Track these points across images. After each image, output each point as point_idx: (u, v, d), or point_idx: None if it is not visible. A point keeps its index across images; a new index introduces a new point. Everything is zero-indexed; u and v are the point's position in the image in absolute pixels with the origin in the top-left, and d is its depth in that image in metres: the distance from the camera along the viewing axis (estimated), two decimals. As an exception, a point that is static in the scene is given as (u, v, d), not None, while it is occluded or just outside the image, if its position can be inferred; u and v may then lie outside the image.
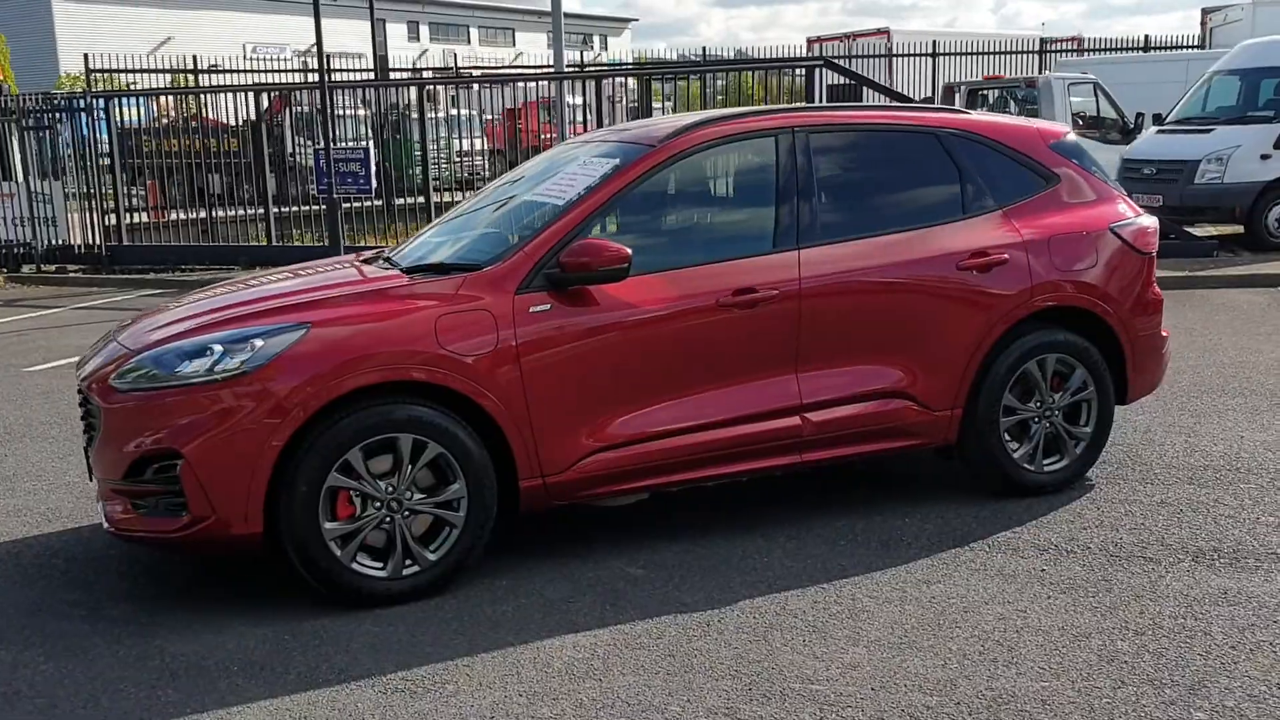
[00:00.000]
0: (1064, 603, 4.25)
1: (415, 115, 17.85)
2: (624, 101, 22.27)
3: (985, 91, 17.77)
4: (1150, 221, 5.68)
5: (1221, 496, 5.33)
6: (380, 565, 4.38)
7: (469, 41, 69.74)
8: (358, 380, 4.24)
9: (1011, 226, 5.28)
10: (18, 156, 15.46)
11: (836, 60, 17.64)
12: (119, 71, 22.01)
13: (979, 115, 5.63)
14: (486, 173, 19.17)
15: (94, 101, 15.39)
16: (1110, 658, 3.81)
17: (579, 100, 24.18)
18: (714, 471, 4.88)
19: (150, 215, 16.83)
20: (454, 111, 21.09)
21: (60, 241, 15.83)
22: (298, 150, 17.64)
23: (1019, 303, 5.22)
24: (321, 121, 13.59)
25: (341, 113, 18.14)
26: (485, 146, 20.72)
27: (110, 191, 15.82)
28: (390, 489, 4.34)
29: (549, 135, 17.97)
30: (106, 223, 15.99)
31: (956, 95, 17.74)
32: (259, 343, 4.24)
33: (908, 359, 5.09)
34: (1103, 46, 29.07)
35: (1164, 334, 5.74)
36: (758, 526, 5.12)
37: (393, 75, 33.22)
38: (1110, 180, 5.79)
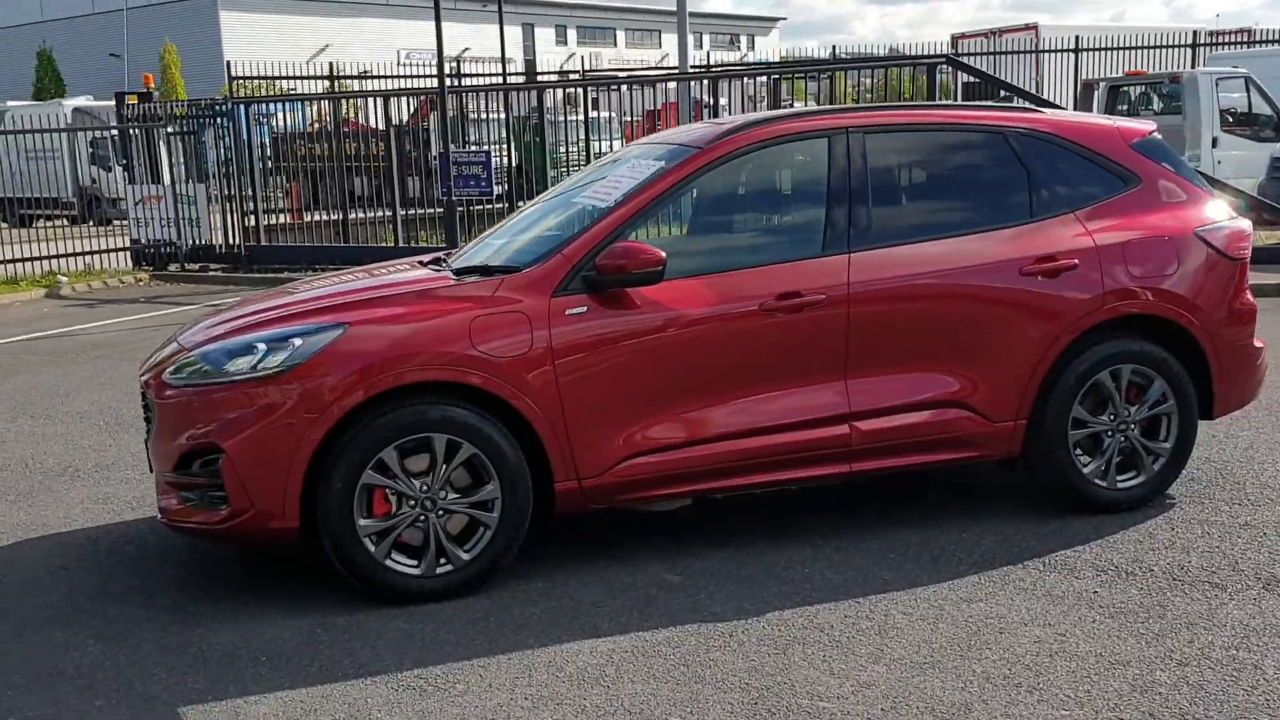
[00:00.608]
0: (1109, 628, 4.03)
1: (558, 119, 18.07)
2: (765, 101, 22.08)
3: (1127, 88, 17.04)
4: (1243, 225, 5.35)
5: (1313, 519, 4.99)
6: (415, 563, 4.44)
7: (615, 44, 70.32)
8: (392, 379, 4.31)
9: (1084, 230, 5.04)
10: (165, 161, 16.24)
11: (962, 58, 17.13)
12: (265, 79, 22.92)
13: (1053, 113, 5.40)
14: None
15: (234, 108, 16.05)
16: (1145, 688, 3.60)
17: (720, 101, 24.01)
18: (757, 479, 4.80)
19: (290, 217, 17.49)
20: (594, 114, 21.24)
21: (203, 241, 16.56)
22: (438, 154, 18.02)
23: (1090, 310, 4.98)
24: (441, 125, 13.88)
25: (480, 116, 18.49)
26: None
27: (250, 194, 16.45)
28: (425, 488, 4.40)
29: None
30: (246, 224, 16.65)
31: (1095, 92, 17.07)
32: (298, 342, 4.35)
33: (965, 367, 4.91)
34: (1277, 38, 27.49)
35: (1258, 345, 5.40)
36: (807, 536, 5.01)
37: (539, 79, 34.07)
38: (1201, 181, 5.47)
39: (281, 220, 17.50)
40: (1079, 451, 5.09)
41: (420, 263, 5.46)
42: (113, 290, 15.39)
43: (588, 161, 18.72)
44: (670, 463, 4.64)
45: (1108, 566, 4.58)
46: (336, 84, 25.92)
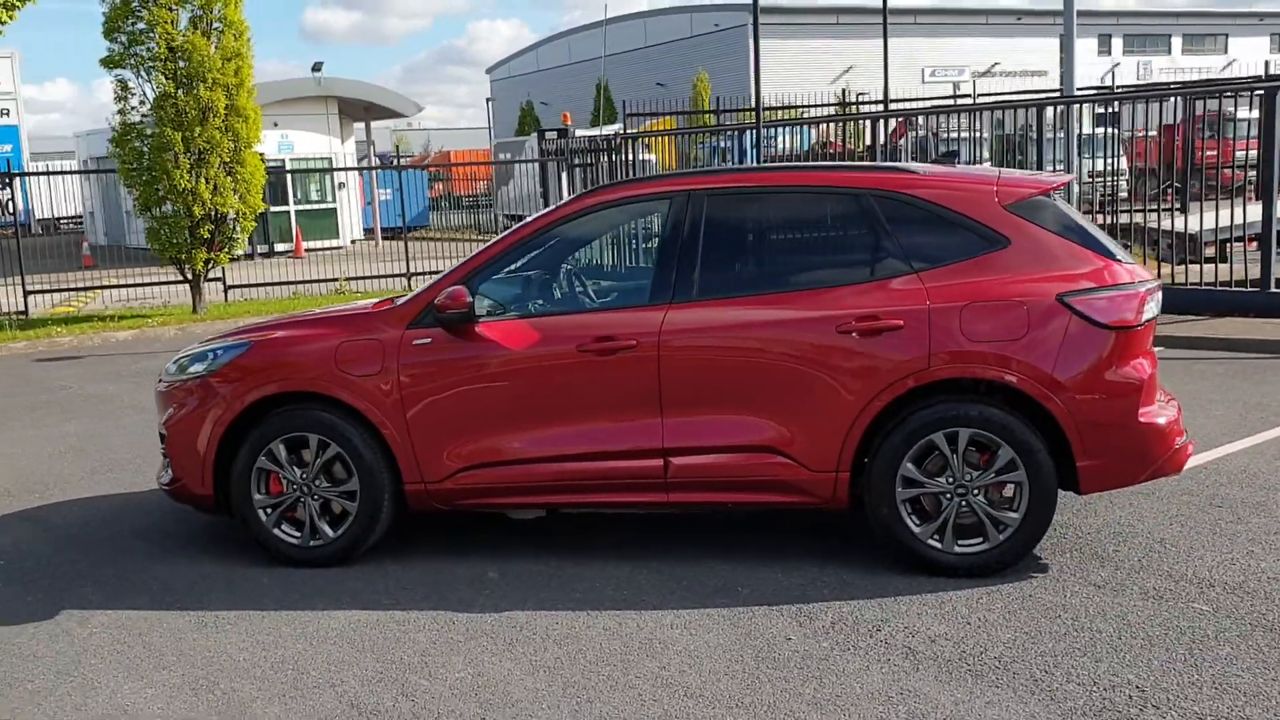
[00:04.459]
0: (742, 668, 4.27)
1: (1045, 135, 17.64)
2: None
3: None
4: (1130, 292, 4.98)
5: (1141, 610, 4.62)
6: (299, 535, 5.62)
7: (1169, 51, 65.34)
8: (271, 388, 5.52)
9: (919, 291, 5.04)
10: (565, 187, 18.59)
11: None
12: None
13: (926, 172, 5.33)
14: (1124, 194, 17.53)
15: (621, 143, 18.02)
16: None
17: (1252, 114, 22.08)
18: (583, 499, 5.41)
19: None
20: (1087, 131, 20.48)
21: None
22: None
23: (913, 371, 4.99)
24: (754, 148, 14.71)
25: (958, 134, 18.57)
26: (1127, 166, 19.53)
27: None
28: (304, 476, 5.56)
29: (1211, 154, 16.86)
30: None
31: None
32: (219, 353, 5.71)
33: (779, 416, 5.14)
34: None
35: (1144, 420, 4.99)
36: (642, 557, 5.51)
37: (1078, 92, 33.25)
38: (1097, 243, 5.14)
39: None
40: (910, 509, 5.10)
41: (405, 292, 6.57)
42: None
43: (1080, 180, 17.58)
44: (500, 476, 5.40)
45: (844, 621, 4.67)
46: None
